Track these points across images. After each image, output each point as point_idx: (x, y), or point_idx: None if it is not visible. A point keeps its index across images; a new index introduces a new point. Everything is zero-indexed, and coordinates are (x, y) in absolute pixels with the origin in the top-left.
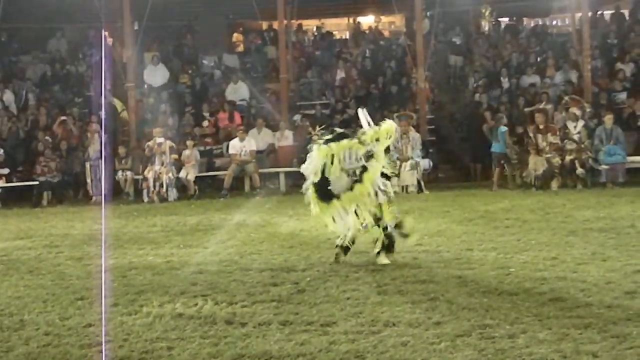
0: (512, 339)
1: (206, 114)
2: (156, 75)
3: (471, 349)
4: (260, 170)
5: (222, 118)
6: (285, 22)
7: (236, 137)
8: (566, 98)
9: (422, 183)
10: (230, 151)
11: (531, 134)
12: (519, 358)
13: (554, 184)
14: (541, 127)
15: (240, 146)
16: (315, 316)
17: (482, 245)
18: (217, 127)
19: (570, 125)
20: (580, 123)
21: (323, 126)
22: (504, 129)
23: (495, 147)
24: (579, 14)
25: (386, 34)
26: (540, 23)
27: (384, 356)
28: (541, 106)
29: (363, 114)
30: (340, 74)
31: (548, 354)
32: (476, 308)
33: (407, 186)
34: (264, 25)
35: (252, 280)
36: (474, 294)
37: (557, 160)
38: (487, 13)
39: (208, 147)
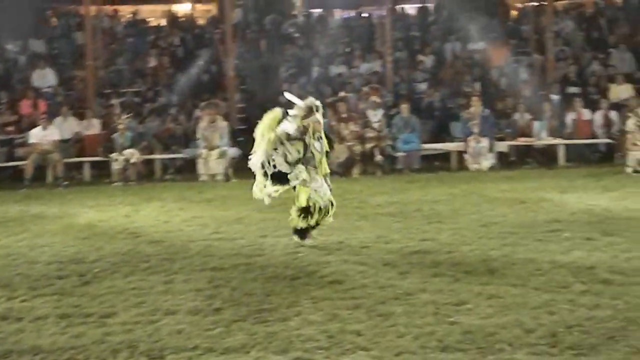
0: (285, 322)
1: (5, 102)
2: None
3: (243, 334)
4: (65, 160)
5: (25, 105)
6: (95, 7)
7: (39, 125)
8: (365, 88)
9: (230, 171)
10: (32, 140)
11: (334, 123)
12: (287, 340)
13: (355, 171)
14: (344, 115)
15: (42, 135)
16: (96, 308)
17: (277, 232)
18: (20, 116)
19: (371, 114)
20: (380, 112)
21: (131, 114)
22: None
23: None
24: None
25: (201, 22)
26: (349, 15)
27: (157, 344)
28: (341, 94)
29: (291, 96)
30: (153, 62)
31: (315, 334)
32: (258, 293)
33: (214, 174)
34: (75, 10)
35: (37, 273)
36: (258, 279)
37: (358, 148)
38: (299, 3)
39: (9, 137)
